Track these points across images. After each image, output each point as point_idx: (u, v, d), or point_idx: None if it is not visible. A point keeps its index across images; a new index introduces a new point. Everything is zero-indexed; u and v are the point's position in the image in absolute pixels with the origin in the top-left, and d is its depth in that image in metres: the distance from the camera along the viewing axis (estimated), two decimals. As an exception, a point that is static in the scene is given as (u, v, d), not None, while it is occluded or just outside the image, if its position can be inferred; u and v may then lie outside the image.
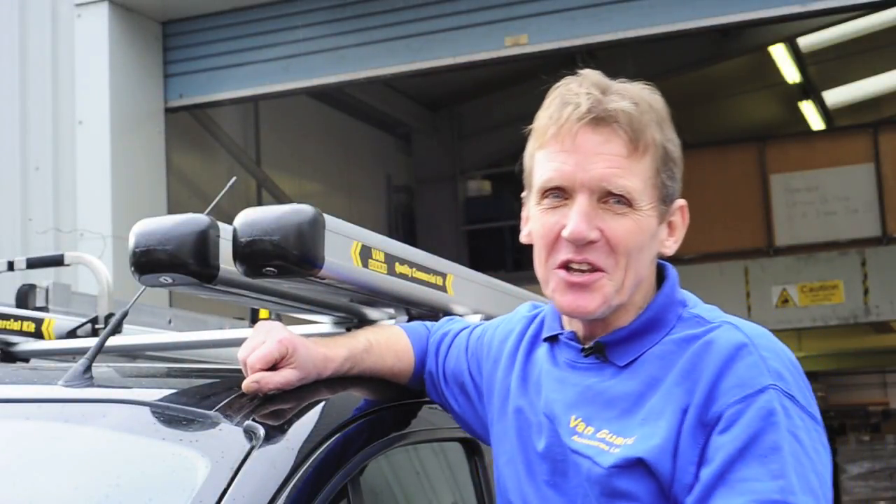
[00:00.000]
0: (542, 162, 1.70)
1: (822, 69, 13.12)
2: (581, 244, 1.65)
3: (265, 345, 1.79)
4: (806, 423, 1.58)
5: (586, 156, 1.65)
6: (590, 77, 1.71)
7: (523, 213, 1.80)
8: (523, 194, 1.80)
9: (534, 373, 1.82)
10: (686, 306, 1.73)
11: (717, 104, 14.02)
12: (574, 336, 1.77)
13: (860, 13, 10.49)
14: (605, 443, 1.64)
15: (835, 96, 14.35)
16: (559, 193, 1.68)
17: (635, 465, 1.60)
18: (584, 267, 1.66)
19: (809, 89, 13.43)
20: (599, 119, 1.65)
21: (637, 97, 1.69)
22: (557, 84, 1.73)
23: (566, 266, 1.67)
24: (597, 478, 1.63)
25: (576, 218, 1.65)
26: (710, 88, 13.22)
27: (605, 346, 1.72)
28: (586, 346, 1.74)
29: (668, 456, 1.59)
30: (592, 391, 1.70)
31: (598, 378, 1.71)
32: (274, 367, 1.80)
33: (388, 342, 2.02)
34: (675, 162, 1.73)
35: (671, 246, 1.76)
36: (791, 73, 12.62)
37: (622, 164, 1.65)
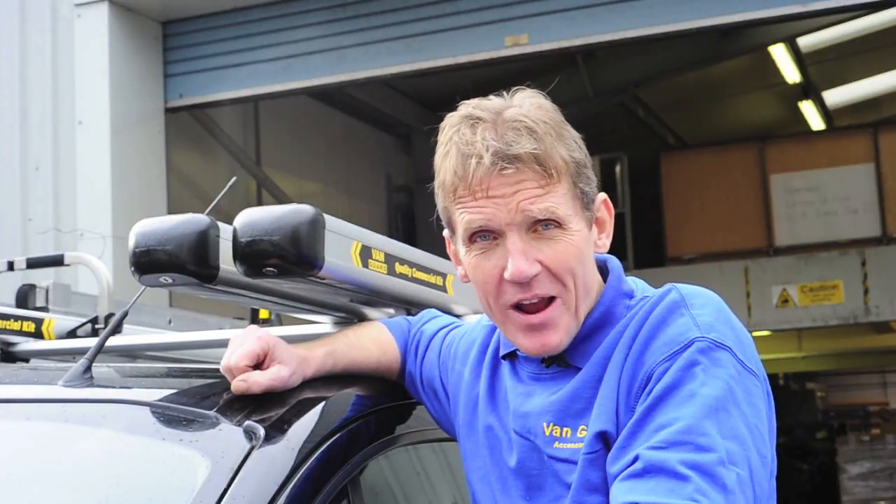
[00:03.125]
0: (460, 213, 1.68)
1: (822, 69, 13.11)
2: (525, 282, 1.64)
3: (245, 344, 1.79)
4: (742, 375, 1.56)
5: (504, 198, 1.63)
6: (478, 114, 1.66)
7: (450, 250, 1.79)
8: (445, 232, 1.78)
9: (501, 389, 1.81)
10: (633, 297, 1.73)
11: (717, 104, 14.00)
12: None
13: (860, 13, 10.48)
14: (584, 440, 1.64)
15: (835, 96, 14.34)
16: (487, 234, 1.66)
17: (602, 449, 1.60)
18: (535, 300, 1.66)
19: (809, 89, 13.42)
20: (506, 166, 1.62)
21: (532, 119, 1.64)
22: (444, 125, 1.70)
23: (519, 306, 1.67)
24: (577, 473, 1.62)
25: (514, 258, 1.63)
26: (710, 88, 13.20)
27: (564, 351, 1.71)
28: (546, 358, 1.74)
29: (614, 426, 1.59)
30: (557, 393, 1.70)
31: (564, 383, 1.70)
32: (259, 368, 1.79)
33: (370, 336, 2.02)
34: (586, 164, 1.71)
35: (604, 242, 1.75)
36: (791, 73, 12.62)
37: (540, 192, 1.63)
